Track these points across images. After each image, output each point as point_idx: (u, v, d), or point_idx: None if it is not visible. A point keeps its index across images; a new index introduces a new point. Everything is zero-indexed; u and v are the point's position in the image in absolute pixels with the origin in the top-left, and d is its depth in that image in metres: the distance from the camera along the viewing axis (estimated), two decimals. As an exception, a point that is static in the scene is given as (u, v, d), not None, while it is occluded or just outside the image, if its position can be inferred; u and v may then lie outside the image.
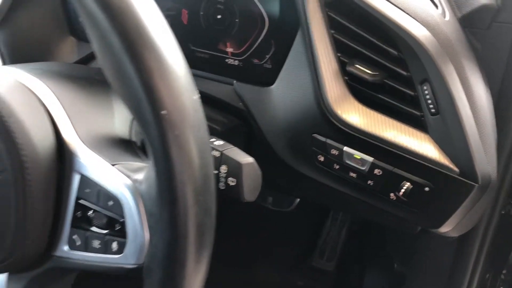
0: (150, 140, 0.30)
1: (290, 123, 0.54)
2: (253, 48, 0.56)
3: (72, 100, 0.39)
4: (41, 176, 0.35)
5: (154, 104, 0.29)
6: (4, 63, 0.65)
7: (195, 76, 0.42)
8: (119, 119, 0.42)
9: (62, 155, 0.36)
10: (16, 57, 0.65)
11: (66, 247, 0.37)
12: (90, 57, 0.65)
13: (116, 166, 0.34)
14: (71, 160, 0.36)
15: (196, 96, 0.31)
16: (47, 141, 0.36)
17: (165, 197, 0.30)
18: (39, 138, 0.35)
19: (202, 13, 0.58)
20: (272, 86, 0.56)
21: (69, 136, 0.37)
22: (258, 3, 0.55)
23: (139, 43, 0.28)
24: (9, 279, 0.41)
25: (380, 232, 0.97)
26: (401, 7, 0.47)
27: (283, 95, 0.55)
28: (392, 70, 0.48)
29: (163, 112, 0.29)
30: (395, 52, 0.47)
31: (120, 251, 0.34)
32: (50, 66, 0.49)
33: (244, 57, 0.57)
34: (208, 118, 0.32)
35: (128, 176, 0.33)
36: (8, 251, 0.37)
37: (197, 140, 0.30)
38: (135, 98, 0.29)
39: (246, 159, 0.38)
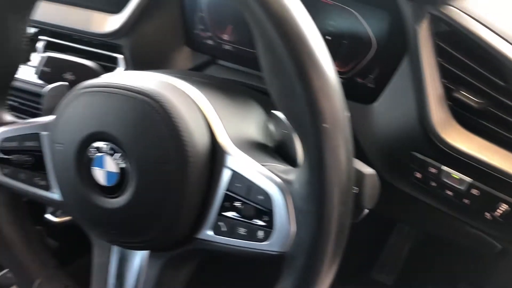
0: (308, 148, 0.36)
1: (390, 139, 0.59)
2: (358, 68, 0.62)
3: (220, 104, 0.46)
4: (198, 169, 0.41)
5: (317, 119, 0.34)
6: (127, 68, 0.73)
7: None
8: (256, 124, 0.48)
9: (215, 152, 0.43)
10: (137, 63, 0.73)
11: (210, 232, 0.43)
12: (203, 66, 0.72)
13: (266, 166, 0.40)
14: (223, 157, 0.42)
15: (347, 113, 0.36)
16: (204, 140, 0.42)
17: (317, 197, 0.36)
18: (199, 136, 0.42)
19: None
20: (374, 104, 0.61)
21: (221, 136, 0.43)
22: (367, 27, 0.60)
23: (309, 65, 0.34)
24: (150, 255, 0.48)
25: (446, 250, 0.99)
26: (510, 41, 0.51)
27: (385, 113, 0.60)
28: (496, 99, 0.52)
29: (324, 125, 0.34)
30: (501, 82, 0.51)
31: (265, 239, 0.39)
32: (185, 73, 0.56)
33: (348, 75, 0.63)
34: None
35: (279, 176, 0.39)
36: (160, 231, 0.43)
37: (347, 151, 0.36)
38: (299, 112, 0.35)
39: (368, 170, 0.43)
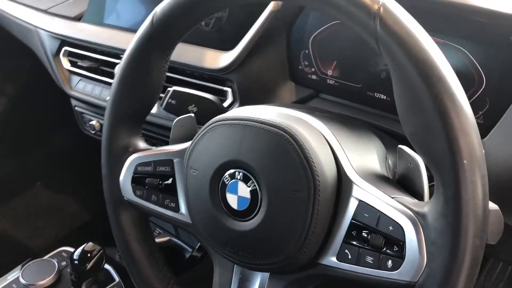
0: (445, 182, 0.37)
1: (502, 176, 0.59)
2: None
3: (343, 137, 0.49)
4: (326, 197, 0.44)
5: (456, 155, 0.36)
6: (234, 101, 0.78)
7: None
8: (377, 157, 0.50)
9: (341, 182, 0.45)
10: (244, 96, 0.78)
11: (333, 258, 0.45)
12: (306, 99, 0.76)
13: (395, 198, 0.42)
14: (349, 187, 0.45)
15: (483, 150, 0.38)
16: (332, 170, 0.45)
17: (452, 230, 0.37)
18: (327, 167, 0.45)
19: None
20: (484, 140, 0.61)
21: (347, 167, 0.46)
22: (477, 64, 0.61)
23: (449, 104, 0.36)
24: (271, 278, 0.51)
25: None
26: None
27: (496, 149, 0.60)
28: None
29: (464, 161, 0.36)
30: None
31: (395, 268, 0.41)
32: (308, 108, 0.60)
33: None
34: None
35: (410, 209, 0.41)
36: (287, 255, 0.46)
37: (483, 186, 0.37)
38: (438, 148, 0.37)
39: (492, 205, 0.43)
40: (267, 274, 0.51)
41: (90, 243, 0.87)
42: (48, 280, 0.89)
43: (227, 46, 0.77)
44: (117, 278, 0.92)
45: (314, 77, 0.75)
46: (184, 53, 0.80)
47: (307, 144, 0.45)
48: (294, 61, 0.76)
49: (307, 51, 0.74)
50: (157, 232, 1.06)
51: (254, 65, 0.76)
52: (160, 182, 0.56)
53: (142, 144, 0.60)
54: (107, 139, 0.59)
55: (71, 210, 1.51)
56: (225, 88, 0.78)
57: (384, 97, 0.67)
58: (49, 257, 0.96)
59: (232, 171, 0.48)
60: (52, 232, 1.42)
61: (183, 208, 0.55)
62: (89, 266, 0.84)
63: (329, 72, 0.73)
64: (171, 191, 0.56)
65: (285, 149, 0.45)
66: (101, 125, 0.96)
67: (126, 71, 0.56)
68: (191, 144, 0.52)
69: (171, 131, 0.60)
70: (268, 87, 0.78)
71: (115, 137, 0.59)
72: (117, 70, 0.57)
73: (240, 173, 0.47)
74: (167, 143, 0.60)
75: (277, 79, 0.78)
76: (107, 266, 0.93)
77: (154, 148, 0.59)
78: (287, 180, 0.45)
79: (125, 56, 0.56)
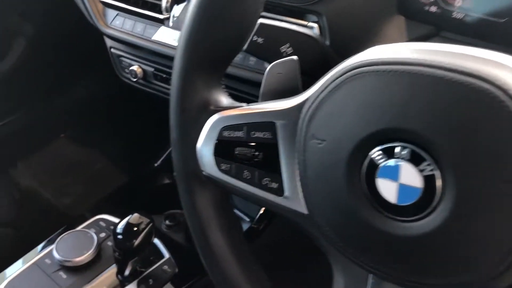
0: None
1: None
2: None
3: None
4: None
5: None
6: (324, 40, 0.60)
7: None
8: None
9: None
10: (335, 34, 0.60)
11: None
12: (422, 38, 0.58)
13: None
14: None
15: None
16: None
17: None
18: None
19: None
20: None
21: None
22: None
23: None
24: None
25: None
26: None
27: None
28: None
29: None
30: None
31: None
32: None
33: None
34: None
35: None
36: (481, 273, 0.30)
37: None
38: None
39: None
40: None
41: (136, 215, 0.73)
42: (87, 256, 0.76)
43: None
44: (166, 254, 0.79)
45: (433, 9, 0.56)
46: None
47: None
48: (405, -13, 0.58)
49: (425, -25, 0.55)
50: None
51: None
52: (256, 153, 0.40)
53: (226, 99, 0.43)
54: (179, 93, 0.42)
55: (101, 169, 1.37)
56: (309, 24, 0.60)
57: None
58: (85, 227, 0.82)
59: (389, 145, 0.31)
60: (80, 193, 1.29)
61: (288, 190, 0.39)
62: (136, 242, 0.70)
63: (457, 2, 0.55)
64: (272, 166, 0.40)
65: (493, 112, 0.28)
66: (144, 71, 0.79)
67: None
68: (313, 101, 0.35)
69: (263, 81, 0.43)
70: (368, 23, 0.59)
71: (191, 90, 0.42)
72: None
73: (406, 150, 0.31)
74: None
75: (381, 13, 0.59)
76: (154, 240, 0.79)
77: (244, 105, 0.42)
78: (493, 163, 0.28)
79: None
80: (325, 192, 0.35)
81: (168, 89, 0.79)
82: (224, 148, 0.41)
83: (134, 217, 0.72)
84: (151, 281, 0.74)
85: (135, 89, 0.85)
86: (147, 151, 1.01)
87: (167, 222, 0.88)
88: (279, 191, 0.39)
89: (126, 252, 0.71)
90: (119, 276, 0.74)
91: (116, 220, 0.84)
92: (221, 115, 0.42)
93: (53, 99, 1.44)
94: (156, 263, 0.77)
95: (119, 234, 0.70)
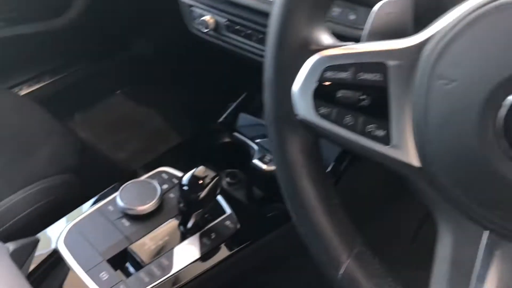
0: None
1: None
2: None
3: None
4: None
5: None
6: None
7: None
8: None
9: None
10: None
11: None
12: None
13: None
14: None
15: None
16: None
17: None
18: None
19: None
20: None
21: None
22: None
23: None
24: None
25: None
26: None
27: None
28: None
29: None
30: None
31: None
32: None
33: None
34: None
35: None
36: None
37: None
38: None
39: None
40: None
41: (202, 167, 0.71)
42: (150, 205, 0.75)
43: None
44: (228, 210, 0.77)
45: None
46: None
47: None
48: None
49: None
50: (268, 158, 0.89)
51: None
52: (362, 96, 0.37)
53: (329, 38, 0.40)
54: (278, 28, 0.39)
55: (160, 126, 1.37)
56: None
57: None
58: (148, 178, 0.82)
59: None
60: (137, 149, 1.30)
61: (396, 139, 0.36)
62: (202, 195, 0.69)
63: None
64: (379, 111, 0.36)
65: None
66: (216, 22, 0.76)
67: None
68: (442, 37, 0.31)
69: (370, 21, 0.39)
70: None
71: (292, 26, 0.38)
72: None
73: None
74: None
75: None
76: (216, 195, 0.78)
77: (350, 44, 0.39)
78: None
79: None
80: (449, 141, 0.31)
81: (241, 42, 0.76)
82: (325, 91, 0.38)
83: (200, 170, 0.71)
84: (213, 235, 0.73)
85: (203, 41, 0.82)
86: (210, 107, 0.99)
87: (228, 179, 0.87)
88: (386, 140, 0.36)
89: (191, 203, 0.70)
90: (181, 228, 0.74)
91: (178, 173, 0.83)
92: (323, 55, 0.38)
93: (114, 54, 1.44)
94: (218, 218, 0.76)
95: (185, 185, 0.69)
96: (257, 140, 0.91)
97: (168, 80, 1.42)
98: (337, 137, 0.39)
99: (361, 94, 0.37)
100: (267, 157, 0.88)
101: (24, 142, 0.91)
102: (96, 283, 0.67)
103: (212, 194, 0.70)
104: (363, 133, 0.37)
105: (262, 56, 0.74)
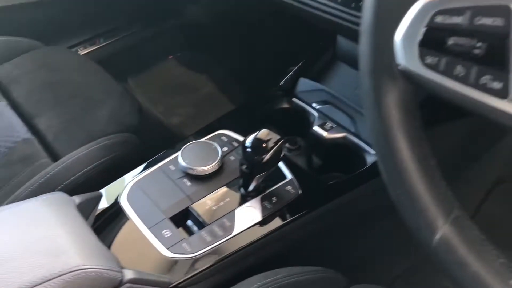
0: None
1: None
2: None
3: None
4: None
5: None
6: None
7: None
8: None
9: None
10: None
11: None
12: None
13: None
14: None
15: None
16: None
17: None
18: None
19: None
20: None
21: None
22: None
23: None
24: None
25: None
26: None
27: None
28: None
29: None
30: None
31: None
32: None
33: None
34: None
35: None
36: None
37: None
38: None
39: None
40: None
41: (265, 130, 0.69)
42: (212, 166, 0.74)
43: None
44: (289, 175, 0.75)
45: None
46: None
47: None
48: None
49: None
50: (328, 126, 0.86)
51: None
52: (479, 44, 0.33)
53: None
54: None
55: (209, 92, 1.36)
56: None
57: None
58: (208, 139, 0.81)
59: None
60: (189, 114, 1.29)
61: (515, 92, 0.32)
62: (266, 158, 0.67)
63: None
64: (497, 61, 0.33)
65: None
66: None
67: None
68: None
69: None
70: None
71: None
72: None
73: None
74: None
75: None
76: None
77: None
78: None
79: None
80: None
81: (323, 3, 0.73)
82: (433, 38, 0.35)
83: (263, 132, 0.69)
84: (274, 199, 0.72)
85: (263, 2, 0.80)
86: (266, 73, 0.97)
87: (287, 145, 0.85)
88: (503, 93, 0.33)
89: (254, 166, 0.68)
90: (242, 190, 0.73)
91: (237, 136, 0.82)
92: (433, -2, 0.35)
93: (168, 19, 1.43)
94: (279, 183, 0.74)
95: (248, 147, 0.68)
96: (317, 107, 0.88)
97: (221, 46, 1.40)
98: (444, 90, 0.35)
99: (476, 42, 0.33)
100: (328, 124, 0.85)
101: (86, 100, 0.92)
102: (159, 240, 0.67)
103: (276, 157, 0.69)
104: (476, 85, 0.34)
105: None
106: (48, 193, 0.66)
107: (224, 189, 0.74)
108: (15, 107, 0.91)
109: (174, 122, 1.27)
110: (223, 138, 0.82)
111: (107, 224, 0.71)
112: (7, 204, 0.73)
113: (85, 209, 0.69)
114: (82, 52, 1.29)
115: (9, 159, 0.82)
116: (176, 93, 1.36)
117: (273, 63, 1.01)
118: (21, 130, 0.86)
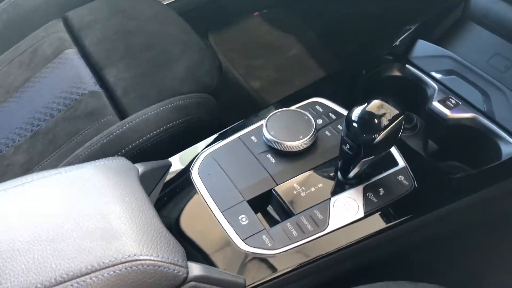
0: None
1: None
2: None
3: None
4: None
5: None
6: None
7: None
8: None
9: None
10: None
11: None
12: None
13: None
14: None
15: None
16: None
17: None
18: None
19: None
20: None
21: None
22: None
23: None
24: None
25: None
26: None
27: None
28: None
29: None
30: None
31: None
32: None
33: None
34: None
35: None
36: None
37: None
38: None
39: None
40: None
41: (378, 101, 0.53)
42: (303, 142, 0.60)
43: None
44: (402, 162, 0.59)
45: None
46: None
47: None
48: None
49: None
50: (452, 102, 0.68)
51: None
52: None
53: None
54: None
55: (296, 54, 1.20)
56: None
57: None
58: (300, 108, 0.66)
59: None
60: (272, 78, 1.15)
61: None
62: (379, 138, 0.51)
63: None
64: None
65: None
66: None
67: None
68: None
69: None
70: None
71: None
72: None
73: None
74: None
75: None
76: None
77: None
78: None
79: None
80: None
81: None
82: None
83: (374, 104, 0.52)
84: (381, 190, 0.56)
85: None
86: (369, 34, 0.79)
87: (401, 123, 0.68)
88: None
89: (361, 147, 0.53)
90: (340, 175, 0.57)
91: (336, 107, 0.66)
92: None
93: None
94: (388, 170, 0.58)
95: (355, 122, 0.52)
96: (438, 77, 0.69)
97: (314, 3, 1.23)
98: None
99: None
100: (452, 100, 0.67)
101: (161, 53, 0.80)
102: (233, 228, 0.54)
103: (392, 138, 0.52)
104: None
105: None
106: (108, 158, 0.55)
107: (316, 171, 0.59)
108: (85, 55, 0.81)
109: (255, 87, 1.13)
110: (318, 107, 0.67)
111: (171, 200, 0.59)
112: (63, 166, 0.63)
113: (150, 181, 0.58)
114: (164, 1, 1.18)
115: (73, 113, 0.73)
116: (259, 54, 1.22)
117: (384, 20, 0.83)
118: (89, 82, 0.77)
